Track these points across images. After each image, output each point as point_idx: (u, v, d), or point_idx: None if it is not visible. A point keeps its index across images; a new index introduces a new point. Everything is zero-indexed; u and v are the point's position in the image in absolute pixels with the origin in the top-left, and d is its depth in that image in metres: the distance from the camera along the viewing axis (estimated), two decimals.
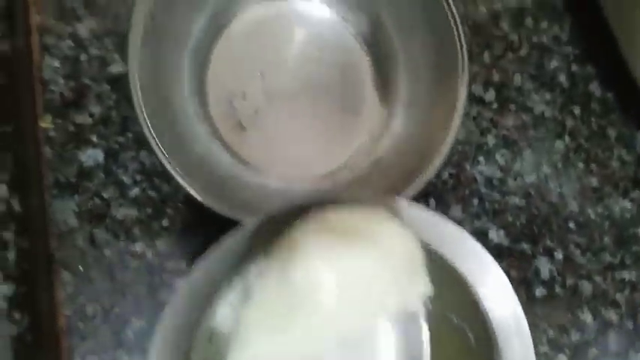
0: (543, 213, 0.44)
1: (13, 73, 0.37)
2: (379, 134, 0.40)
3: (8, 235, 0.36)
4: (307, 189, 0.39)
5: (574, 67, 0.45)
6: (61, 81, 0.40)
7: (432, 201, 0.43)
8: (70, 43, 0.40)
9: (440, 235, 0.30)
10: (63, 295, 0.39)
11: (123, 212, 0.40)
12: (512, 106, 0.45)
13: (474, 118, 0.44)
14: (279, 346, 0.28)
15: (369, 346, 0.29)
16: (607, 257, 0.44)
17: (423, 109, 0.39)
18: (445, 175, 0.43)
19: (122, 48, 0.41)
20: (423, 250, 0.30)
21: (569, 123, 0.45)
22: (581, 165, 0.45)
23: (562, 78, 0.45)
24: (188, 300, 0.28)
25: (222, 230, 0.34)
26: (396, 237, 0.29)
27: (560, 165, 0.45)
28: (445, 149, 0.36)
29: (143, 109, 0.35)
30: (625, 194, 0.45)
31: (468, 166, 0.43)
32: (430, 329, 0.29)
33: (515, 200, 0.44)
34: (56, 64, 0.40)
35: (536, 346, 0.32)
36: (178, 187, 0.35)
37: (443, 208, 0.43)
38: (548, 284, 0.44)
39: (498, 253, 0.43)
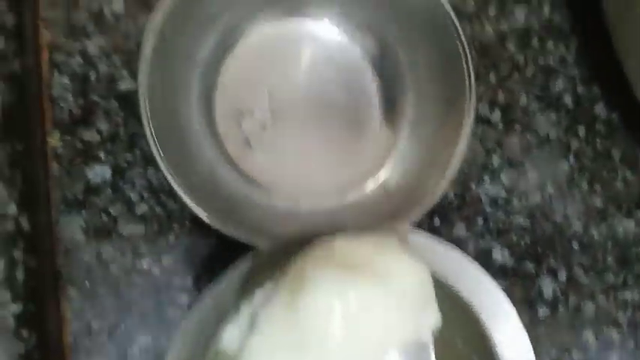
0: (547, 233, 0.44)
1: (23, 92, 0.37)
2: (385, 155, 0.40)
3: (17, 254, 0.36)
4: (314, 210, 0.39)
5: (579, 89, 0.46)
6: (70, 98, 0.40)
7: (437, 219, 0.43)
8: (79, 60, 0.40)
9: (450, 267, 0.30)
10: (69, 312, 0.39)
11: (129, 229, 0.40)
12: (518, 127, 0.45)
13: (480, 139, 0.44)
14: None
15: None
16: (610, 277, 0.45)
17: (430, 131, 0.39)
18: (450, 194, 0.43)
19: (131, 65, 0.41)
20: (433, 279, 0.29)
21: (574, 144, 0.45)
22: (585, 185, 0.45)
23: (567, 99, 0.46)
24: (197, 326, 0.28)
25: (228, 248, 0.34)
26: (407, 267, 0.29)
27: (564, 185, 0.45)
28: (451, 173, 0.37)
29: (151, 128, 0.35)
30: (629, 214, 0.45)
31: (473, 186, 0.44)
32: (436, 356, 0.29)
33: (520, 220, 0.44)
34: (65, 81, 0.40)
35: None
36: (185, 205, 0.35)
37: (447, 226, 0.43)
38: (552, 304, 0.44)
39: (502, 272, 0.44)
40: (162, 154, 0.35)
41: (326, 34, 0.41)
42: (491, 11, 0.46)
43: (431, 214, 0.42)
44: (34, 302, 0.36)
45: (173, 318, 0.40)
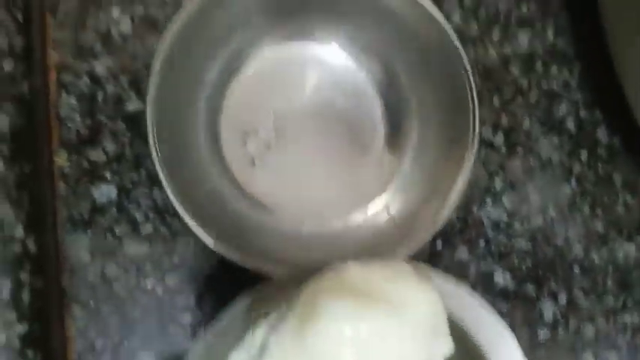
0: (549, 256, 0.45)
1: (31, 113, 0.38)
2: (388, 179, 0.41)
3: (24, 276, 0.36)
4: (317, 232, 0.39)
5: (582, 113, 0.46)
6: (78, 118, 0.40)
7: (439, 242, 0.43)
8: (86, 80, 0.41)
9: (460, 307, 0.30)
10: (73, 330, 0.39)
11: (134, 248, 0.40)
12: (521, 150, 0.45)
13: (483, 162, 0.44)
14: None
15: None
16: (610, 300, 0.45)
17: (433, 157, 0.40)
18: (453, 217, 0.43)
19: (138, 86, 0.41)
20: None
21: (576, 168, 0.46)
22: (586, 209, 0.46)
23: (570, 123, 0.46)
24: (205, 353, 0.28)
25: (231, 268, 0.35)
26: (421, 296, 0.28)
27: (566, 209, 0.45)
28: (453, 202, 0.37)
29: (158, 152, 0.36)
30: (629, 239, 0.46)
31: (475, 209, 0.44)
32: None
33: (522, 243, 0.44)
34: (73, 101, 0.40)
35: None
36: (189, 226, 0.36)
37: (449, 249, 0.44)
38: (552, 327, 0.44)
39: (504, 295, 0.44)
40: (167, 179, 0.35)
41: (332, 57, 0.42)
42: (495, 35, 0.46)
43: (433, 237, 0.43)
44: (39, 322, 0.37)
45: (176, 337, 0.40)
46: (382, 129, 0.42)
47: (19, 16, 0.38)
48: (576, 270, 0.45)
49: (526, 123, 0.46)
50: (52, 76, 0.41)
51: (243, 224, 0.40)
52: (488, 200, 0.45)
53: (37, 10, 0.40)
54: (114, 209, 0.41)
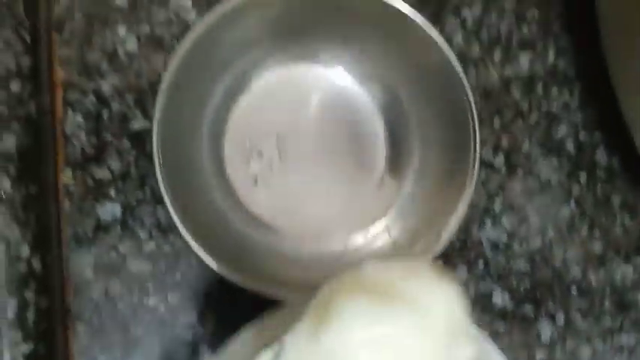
0: (547, 277, 0.45)
1: (38, 133, 0.38)
2: (390, 202, 0.41)
3: (29, 295, 0.37)
4: (319, 253, 0.40)
5: (581, 135, 0.47)
6: (83, 136, 0.41)
7: (439, 262, 0.44)
8: (92, 99, 0.41)
9: None
10: (76, 347, 0.40)
11: (137, 266, 0.41)
12: (520, 172, 0.46)
13: (483, 183, 0.45)
14: None
15: None
16: (607, 322, 0.46)
17: (434, 181, 0.40)
18: (453, 237, 0.44)
19: (143, 104, 0.42)
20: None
21: (575, 189, 0.46)
22: (585, 231, 0.46)
23: (569, 145, 0.46)
24: None
25: (232, 286, 0.35)
26: (438, 295, 0.27)
27: (564, 230, 0.46)
28: (454, 226, 0.38)
29: (162, 173, 0.36)
30: (627, 260, 0.46)
31: (474, 230, 0.44)
32: None
33: (520, 264, 0.45)
34: (79, 119, 0.41)
35: None
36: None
37: (449, 268, 0.44)
38: (549, 347, 0.45)
39: (502, 315, 0.44)
40: (171, 199, 0.36)
41: (335, 80, 0.42)
42: (497, 56, 0.46)
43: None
44: (44, 341, 0.37)
45: (178, 354, 0.41)
46: (384, 152, 0.42)
47: (27, 37, 0.39)
48: (574, 291, 0.45)
49: (526, 144, 0.47)
50: (59, 94, 0.41)
51: (245, 244, 0.40)
52: (488, 221, 0.45)
53: (44, 28, 0.40)
54: (118, 227, 0.41)
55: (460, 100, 0.39)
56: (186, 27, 0.42)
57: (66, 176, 0.41)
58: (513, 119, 0.46)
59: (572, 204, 0.46)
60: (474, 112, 0.39)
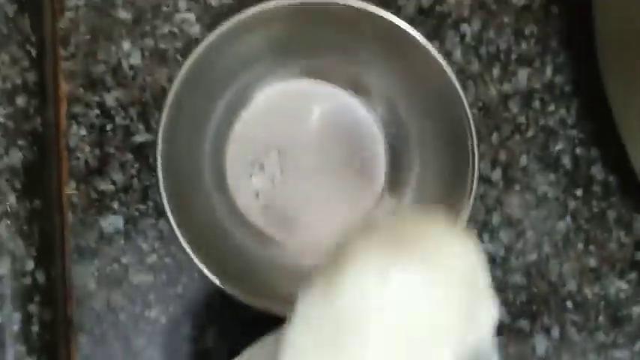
0: (543, 291, 0.46)
1: (43, 147, 0.39)
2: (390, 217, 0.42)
3: (32, 308, 0.37)
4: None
5: (578, 150, 0.47)
6: (87, 149, 0.41)
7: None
8: (96, 112, 0.42)
9: None
10: (78, 358, 0.40)
11: (139, 278, 0.41)
12: (517, 186, 0.46)
13: (481, 197, 0.45)
14: None
15: None
16: (601, 336, 0.46)
17: (432, 197, 0.41)
18: None
19: (146, 118, 0.42)
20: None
21: (571, 204, 0.47)
22: (580, 246, 0.47)
23: (566, 160, 0.47)
24: None
25: (233, 301, 0.36)
26: (455, 250, 0.25)
27: (560, 245, 0.46)
28: None
29: (165, 186, 0.37)
30: (621, 275, 0.47)
31: None
32: None
33: (517, 278, 0.45)
34: (83, 132, 0.41)
35: None
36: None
37: None
38: None
39: (498, 329, 0.45)
40: (173, 213, 0.37)
41: (336, 95, 0.43)
42: (495, 72, 0.47)
43: None
44: (47, 353, 0.37)
45: None
46: (384, 166, 0.43)
47: (33, 51, 0.39)
48: (569, 305, 0.46)
49: (523, 159, 0.47)
50: (63, 107, 0.41)
51: (246, 258, 0.41)
52: (486, 235, 0.46)
53: (50, 42, 0.41)
54: (121, 239, 0.41)
55: (459, 115, 0.40)
56: (190, 41, 0.43)
57: (69, 188, 0.41)
58: (511, 134, 0.47)
59: (569, 219, 0.47)
60: (473, 128, 0.39)
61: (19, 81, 0.38)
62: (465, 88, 0.40)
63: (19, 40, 0.38)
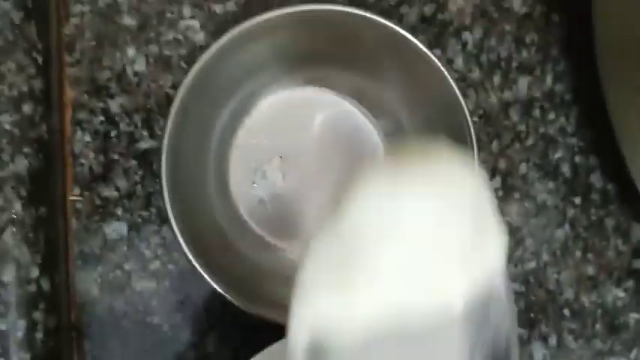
0: (541, 299, 0.46)
1: (49, 155, 0.39)
2: None
3: (37, 315, 0.38)
4: None
5: (577, 158, 0.47)
6: (91, 155, 0.42)
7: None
8: (101, 118, 0.42)
9: None
10: None
11: (142, 284, 0.42)
12: (517, 194, 0.46)
13: None
14: (338, 308, 0.24)
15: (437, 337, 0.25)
16: (598, 344, 0.47)
17: None
18: None
19: (150, 124, 0.42)
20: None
21: (570, 212, 0.47)
22: (578, 253, 0.47)
23: (565, 168, 0.47)
24: None
25: (234, 308, 0.36)
26: (463, 177, 0.25)
27: (559, 253, 0.47)
28: None
29: (169, 194, 0.37)
30: (618, 283, 0.47)
31: None
32: None
33: (515, 286, 0.46)
34: (87, 138, 0.42)
35: None
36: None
37: None
38: None
39: None
40: (176, 220, 0.37)
41: (338, 104, 0.43)
42: (496, 80, 0.47)
43: None
44: None
45: None
46: None
47: (39, 59, 0.39)
48: (567, 313, 0.47)
49: (523, 167, 0.47)
50: (68, 113, 0.42)
51: (248, 265, 0.41)
52: None
53: (55, 49, 0.41)
54: (124, 245, 0.42)
55: (459, 123, 0.40)
56: (194, 48, 0.43)
57: (74, 194, 0.42)
58: (511, 142, 0.47)
59: (567, 227, 0.47)
60: (473, 135, 0.40)
61: (25, 88, 0.38)
62: (465, 95, 0.41)
63: (26, 48, 0.38)
